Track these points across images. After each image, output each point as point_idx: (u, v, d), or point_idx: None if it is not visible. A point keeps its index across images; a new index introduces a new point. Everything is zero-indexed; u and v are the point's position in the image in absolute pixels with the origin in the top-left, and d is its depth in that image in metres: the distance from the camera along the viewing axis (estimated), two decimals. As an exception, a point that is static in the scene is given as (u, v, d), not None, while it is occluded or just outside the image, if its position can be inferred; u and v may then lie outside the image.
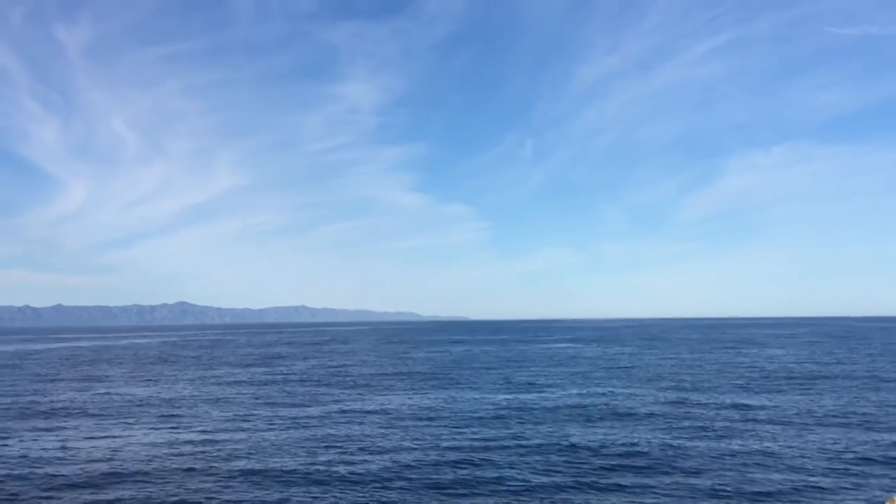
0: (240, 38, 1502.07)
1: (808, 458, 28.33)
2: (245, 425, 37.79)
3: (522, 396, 47.99)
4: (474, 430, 35.39)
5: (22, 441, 34.08)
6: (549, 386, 54.62)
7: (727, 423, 36.07)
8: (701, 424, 35.82)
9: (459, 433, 34.49)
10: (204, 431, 36.05)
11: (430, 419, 38.84)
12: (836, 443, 31.10)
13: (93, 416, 42.13)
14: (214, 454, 30.52)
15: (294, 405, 45.29)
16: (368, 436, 34.20)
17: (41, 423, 39.34)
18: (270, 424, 37.92)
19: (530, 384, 56.16)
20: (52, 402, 48.79)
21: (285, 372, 71.32)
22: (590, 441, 31.94)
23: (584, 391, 50.59)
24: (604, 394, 48.77)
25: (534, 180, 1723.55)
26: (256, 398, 49.27)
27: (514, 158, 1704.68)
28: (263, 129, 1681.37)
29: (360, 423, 37.82)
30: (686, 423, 36.19)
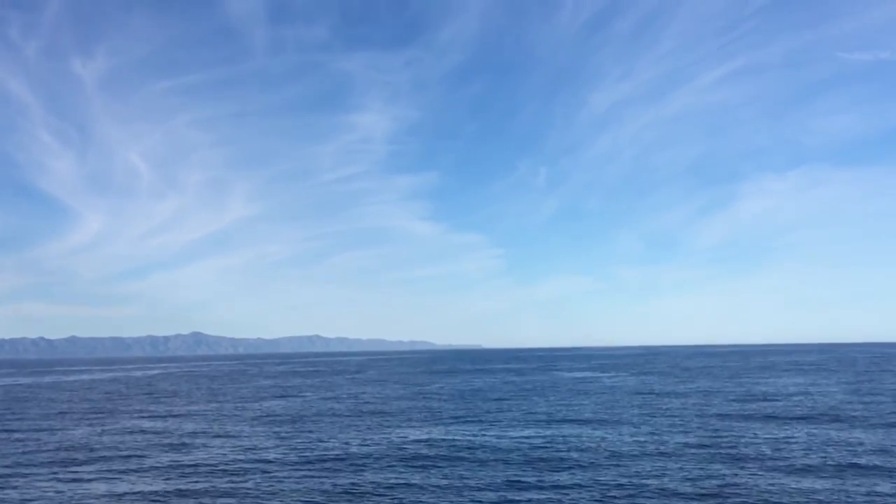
0: (253, 70, 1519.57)
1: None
2: (260, 465, 36.04)
3: (551, 432, 45.99)
4: (500, 470, 33.50)
5: (25, 484, 32.53)
6: (576, 420, 52.52)
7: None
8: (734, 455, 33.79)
9: (486, 474, 32.61)
10: (211, 471, 34.35)
11: (452, 458, 36.95)
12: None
13: (99, 456, 40.52)
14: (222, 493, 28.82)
15: (310, 442, 43.49)
16: (392, 478, 32.38)
17: (46, 462, 37.79)
18: (285, 464, 36.16)
19: (559, 419, 54.05)
20: (58, 440, 47.27)
21: (300, 407, 69.50)
22: (625, 481, 30.02)
23: (614, 425, 48.52)
24: (634, 429, 46.69)
25: (547, 208, 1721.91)
26: (272, 434, 47.51)
27: (527, 186, 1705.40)
28: (276, 159, 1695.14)
29: (381, 463, 35.99)
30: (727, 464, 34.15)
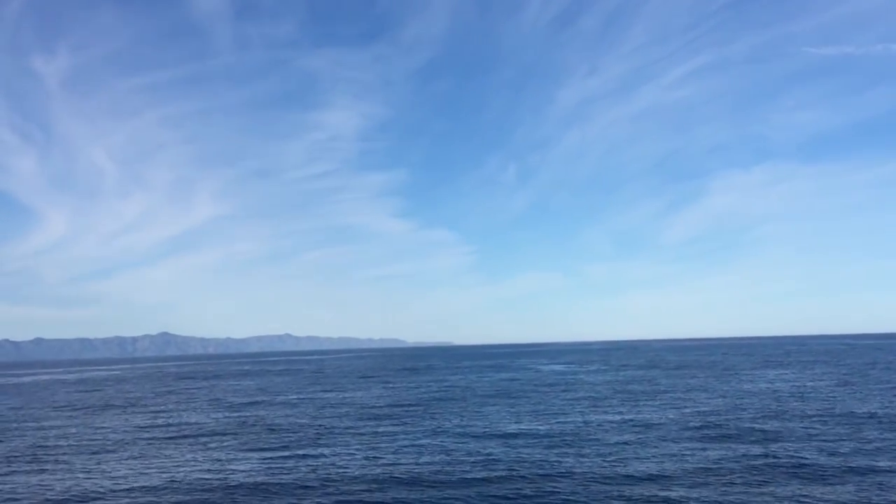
0: (219, 67, 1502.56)
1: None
2: (226, 475, 32.09)
3: (536, 426, 42.55)
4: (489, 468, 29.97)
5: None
6: (561, 414, 49.15)
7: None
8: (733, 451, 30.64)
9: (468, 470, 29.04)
10: (169, 476, 30.35)
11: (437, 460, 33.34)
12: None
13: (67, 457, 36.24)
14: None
15: (280, 446, 39.57)
16: (372, 483, 28.68)
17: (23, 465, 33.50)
18: (250, 470, 32.24)
19: (539, 412, 50.65)
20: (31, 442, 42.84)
21: (266, 408, 65.42)
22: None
23: (599, 418, 45.22)
24: (619, 421, 43.43)
25: (517, 204, 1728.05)
26: (231, 439, 43.51)
27: (496, 183, 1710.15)
28: (244, 157, 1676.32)
29: (354, 473, 32.23)
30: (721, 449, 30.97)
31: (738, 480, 27.29)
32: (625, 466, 30.33)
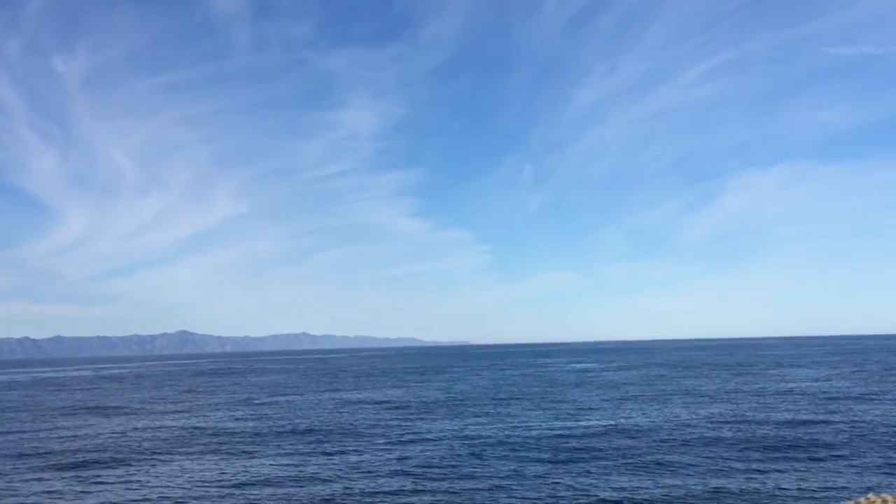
0: (237, 67, 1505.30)
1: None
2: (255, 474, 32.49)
3: (569, 424, 42.66)
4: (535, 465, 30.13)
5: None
6: (604, 413, 49.19)
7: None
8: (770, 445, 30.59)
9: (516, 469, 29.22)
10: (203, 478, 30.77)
11: (478, 455, 33.53)
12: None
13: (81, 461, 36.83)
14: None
15: (307, 446, 39.96)
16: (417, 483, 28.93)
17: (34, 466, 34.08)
18: (280, 471, 32.61)
19: (574, 412, 50.72)
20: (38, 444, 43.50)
21: (290, 407, 65.86)
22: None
23: (629, 416, 45.23)
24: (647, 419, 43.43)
25: (533, 204, 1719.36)
26: (256, 436, 43.95)
27: (512, 182, 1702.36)
28: (262, 157, 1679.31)
29: (400, 470, 32.52)
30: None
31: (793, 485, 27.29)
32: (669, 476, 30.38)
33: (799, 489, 25.48)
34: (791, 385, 69.73)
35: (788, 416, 44.83)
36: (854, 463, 29.37)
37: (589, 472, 29.29)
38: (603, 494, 25.46)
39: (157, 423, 50.82)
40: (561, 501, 25.08)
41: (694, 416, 45.66)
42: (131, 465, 33.92)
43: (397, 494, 26.39)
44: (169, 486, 28.95)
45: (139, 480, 30.32)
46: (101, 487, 29.21)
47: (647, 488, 26.19)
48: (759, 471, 28.50)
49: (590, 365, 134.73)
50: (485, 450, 35.06)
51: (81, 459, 35.90)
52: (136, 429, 47.98)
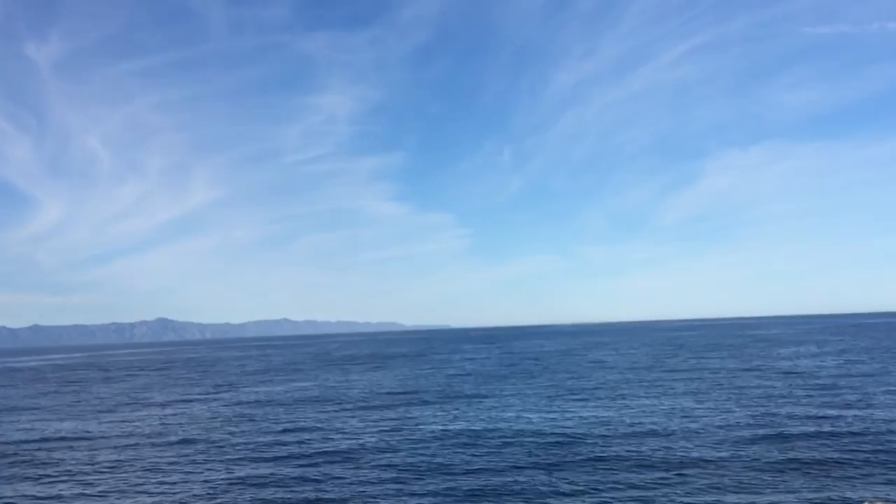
0: (213, 51, 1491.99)
1: None
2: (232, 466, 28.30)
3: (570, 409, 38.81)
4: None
5: None
6: (604, 396, 45.43)
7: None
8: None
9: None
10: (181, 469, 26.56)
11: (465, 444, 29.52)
12: None
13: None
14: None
15: (291, 433, 35.79)
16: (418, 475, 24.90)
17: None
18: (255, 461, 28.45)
19: (568, 394, 46.92)
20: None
21: (274, 392, 61.67)
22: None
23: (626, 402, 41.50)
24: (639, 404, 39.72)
25: (513, 187, 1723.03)
26: (236, 423, 39.72)
27: (493, 165, 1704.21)
28: (239, 142, 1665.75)
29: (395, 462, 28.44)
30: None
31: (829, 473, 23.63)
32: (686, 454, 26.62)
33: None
34: (788, 365, 66.62)
35: (793, 404, 41.38)
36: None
37: (591, 466, 25.44)
38: (604, 489, 21.70)
39: (121, 418, 46.44)
40: (562, 497, 21.29)
41: (699, 406, 42.06)
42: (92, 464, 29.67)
43: (387, 487, 22.48)
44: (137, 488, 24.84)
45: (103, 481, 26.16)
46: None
47: (651, 485, 22.39)
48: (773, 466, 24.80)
49: (575, 346, 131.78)
50: (477, 440, 31.10)
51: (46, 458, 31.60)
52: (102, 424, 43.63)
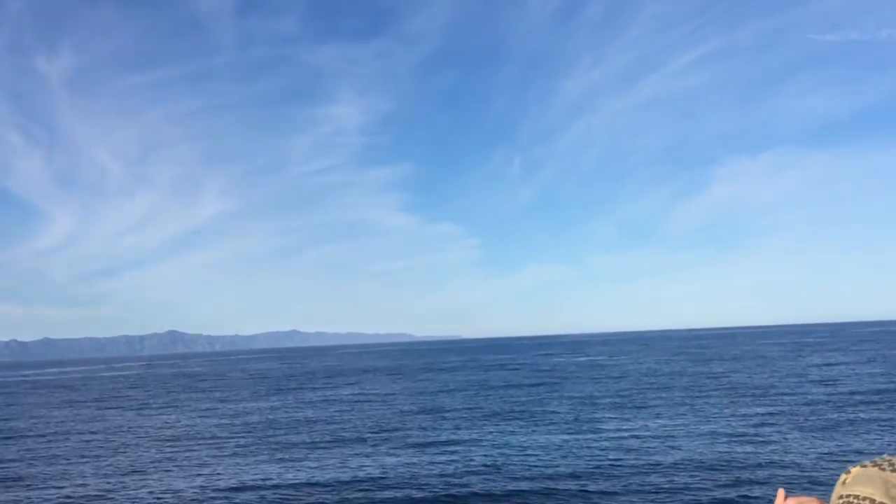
0: (222, 64, 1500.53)
1: None
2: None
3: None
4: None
5: None
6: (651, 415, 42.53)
7: None
8: None
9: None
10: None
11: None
12: None
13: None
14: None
15: (299, 450, 33.12)
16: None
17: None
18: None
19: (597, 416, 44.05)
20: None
21: (279, 409, 59.04)
22: None
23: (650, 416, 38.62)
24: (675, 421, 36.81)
25: (523, 196, 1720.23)
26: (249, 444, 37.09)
27: (502, 175, 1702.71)
28: (249, 153, 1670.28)
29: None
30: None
31: None
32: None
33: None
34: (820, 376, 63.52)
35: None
36: None
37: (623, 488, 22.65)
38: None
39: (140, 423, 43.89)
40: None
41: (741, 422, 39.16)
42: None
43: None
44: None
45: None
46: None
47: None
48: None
49: (596, 358, 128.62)
50: (501, 459, 28.34)
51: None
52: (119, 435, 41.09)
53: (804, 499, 2.20)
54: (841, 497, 2.10)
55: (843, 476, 2.13)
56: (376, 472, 27.57)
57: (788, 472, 25.04)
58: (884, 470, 2.04)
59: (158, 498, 24.90)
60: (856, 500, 2.03)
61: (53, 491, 27.08)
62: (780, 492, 2.25)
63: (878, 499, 1.99)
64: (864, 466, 2.09)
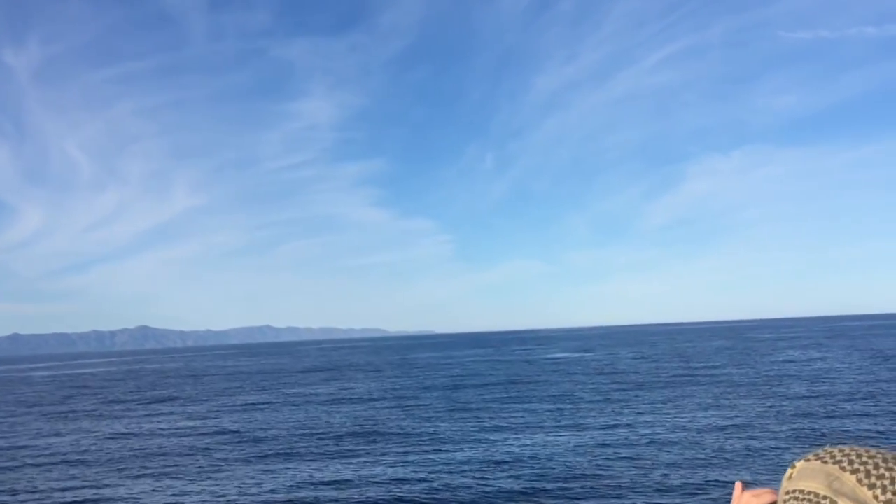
0: (193, 57, 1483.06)
1: None
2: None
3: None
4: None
5: None
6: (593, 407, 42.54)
7: None
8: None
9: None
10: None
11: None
12: None
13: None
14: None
15: (277, 457, 32.61)
16: None
17: None
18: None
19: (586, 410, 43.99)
20: None
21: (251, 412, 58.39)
22: None
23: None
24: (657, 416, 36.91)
25: (496, 192, 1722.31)
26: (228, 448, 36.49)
27: (475, 171, 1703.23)
28: (220, 148, 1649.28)
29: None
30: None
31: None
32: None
33: None
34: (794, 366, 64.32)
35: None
36: None
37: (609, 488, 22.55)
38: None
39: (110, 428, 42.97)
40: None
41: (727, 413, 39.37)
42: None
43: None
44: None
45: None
46: None
47: None
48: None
49: (569, 354, 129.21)
50: (481, 457, 28.12)
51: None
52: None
53: (760, 490, 2.25)
54: (787, 493, 2.13)
55: (789, 471, 2.17)
56: (349, 474, 27.21)
57: (759, 462, 25.17)
58: (826, 463, 2.08)
59: None
60: (801, 496, 2.06)
61: (7, 498, 26.34)
62: (738, 484, 2.29)
63: (821, 493, 2.03)
64: (808, 460, 2.14)
